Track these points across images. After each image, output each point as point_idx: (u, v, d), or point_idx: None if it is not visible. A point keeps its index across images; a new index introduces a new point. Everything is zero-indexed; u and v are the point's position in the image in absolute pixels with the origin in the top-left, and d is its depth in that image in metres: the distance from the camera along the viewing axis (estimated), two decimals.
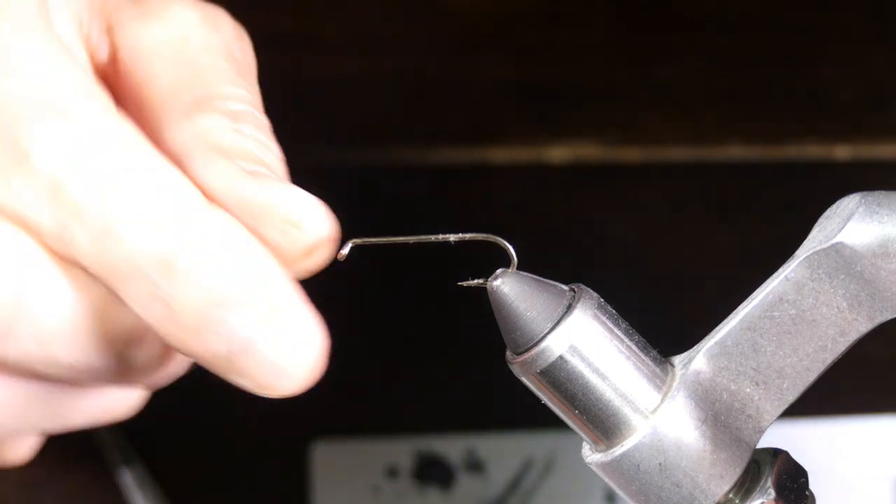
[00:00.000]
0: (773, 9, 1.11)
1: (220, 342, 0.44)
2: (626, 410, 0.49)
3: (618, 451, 0.50)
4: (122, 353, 0.46)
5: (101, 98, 0.45)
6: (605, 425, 0.50)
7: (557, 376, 0.49)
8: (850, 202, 0.51)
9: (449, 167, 1.01)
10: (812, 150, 1.04)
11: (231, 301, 0.43)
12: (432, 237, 0.48)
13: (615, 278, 0.89)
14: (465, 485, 0.82)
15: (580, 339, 0.49)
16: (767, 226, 1.00)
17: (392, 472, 0.83)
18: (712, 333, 0.51)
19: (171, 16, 0.53)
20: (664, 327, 0.88)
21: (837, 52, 1.08)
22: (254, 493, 0.85)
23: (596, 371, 0.49)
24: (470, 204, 1.01)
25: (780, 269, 0.51)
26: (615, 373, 0.49)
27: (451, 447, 0.83)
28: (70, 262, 0.44)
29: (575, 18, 1.09)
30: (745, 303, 0.51)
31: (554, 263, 0.93)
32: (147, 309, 0.43)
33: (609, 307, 0.50)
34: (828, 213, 0.52)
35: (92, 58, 0.51)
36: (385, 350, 0.91)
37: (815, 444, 0.79)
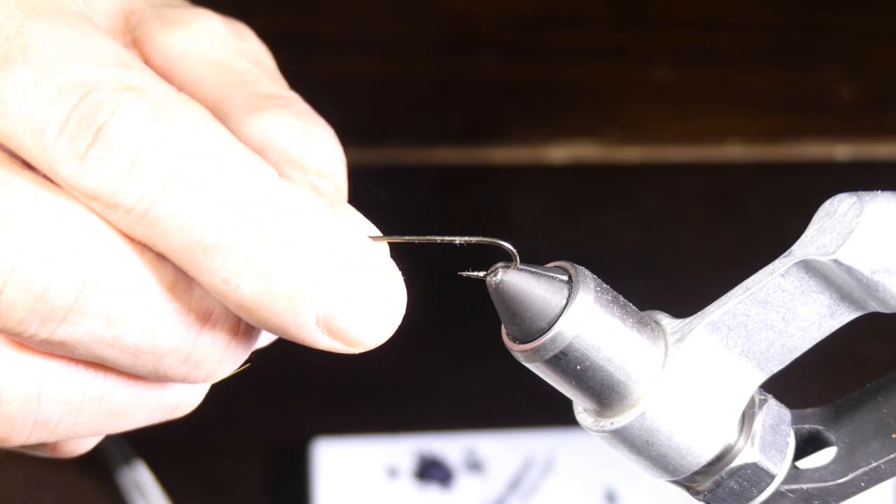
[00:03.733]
0: (773, 9, 1.11)
1: (318, 306, 0.45)
2: (622, 388, 0.51)
3: (607, 426, 0.51)
4: (187, 337, 0.46)
5: (162, 80, 0.46)
6: (600, 400, 0.51)
7: (560, 363, 0.50)
8: (849, 208, 0.51)
9: (449, 167, 1.01)
10: (812, 150, 1.04)
11: (331, 263, 0.45)
12: (437, 238, 0.49)
13: (615, 278, 0.88)
14: (465, 485, 0.82)
15: (582, 327, 0.50)
16: (767, 226, 1.00)
17: (392, 472, 0.83)
18: (705, 313, 0.53)
19: (200, 25, 0.54)
20: None
21: (837, 52, 1.08)
22: (254, 493, 0.86)
23: (598, 355, 0.51)
24: (470, 204, 1.01)
25: (777, 264, 0.51)
26: (615, 354, 0.51)
27: (451, 447, 0.83)
28: (140, 244, 0.45)
29: (574, 18, 1.09)
30: (738, 289, 0.52)
31: None
32: (233, 286, 0.44)
33: (606, 289, 0.52)
34: (827, 208, 0.52)
35: None
36: (385, 350, 0.91)
37: None
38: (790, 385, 0.81)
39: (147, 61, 0.54)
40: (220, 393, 0.95)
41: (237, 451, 0.86)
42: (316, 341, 0.46)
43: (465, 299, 0.88)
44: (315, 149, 0.50)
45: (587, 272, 0.51)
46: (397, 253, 0.49)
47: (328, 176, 0.50)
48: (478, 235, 0.49)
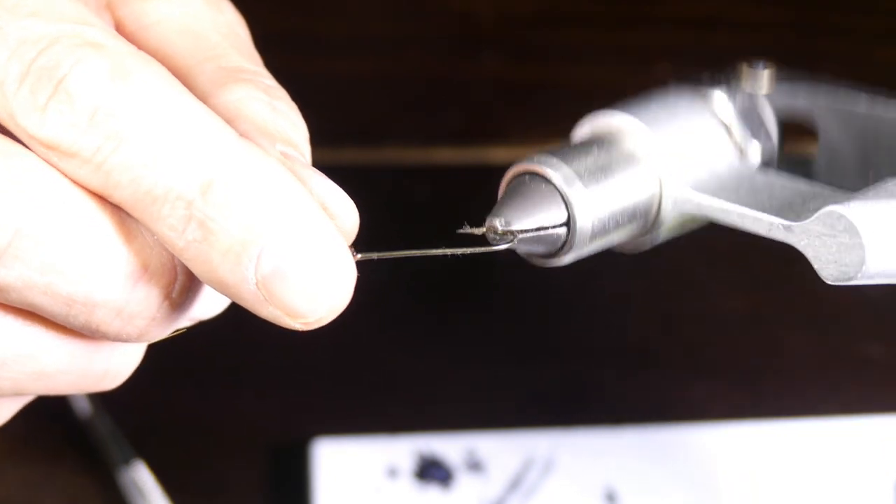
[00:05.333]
0: (772, 9, 1.11)
1: (257, 265, 0.45)
2: (647, 211, 0.59)
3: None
4: (122, 290, 0.47)
5: (123, 38, 0.47)
6: (638, 229, 0.61)
7: (590, 244, 0.55)
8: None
9: (449, 167, 1.01)
10: (812, 150, 1.04)
11: (273, 223, 0.45)
12: (437, 251, 0.49)
13: (615, 278, 0.89)
14: (465, 485, 0.82)
15: (591, 214, 0.57)
16: None
17: (392, 472, 0.83)
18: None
19: None
20: (664, 327, 0.88)
21: (837, 52, 1.08)
22: (254, 493, 0.85)
23: (613, 213, 0.58)
24: (470, 204, 1.01)
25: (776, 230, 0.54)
26: (625, 200, 0.58)
27: (451, 447, 0.83)
28: (91, 192, 0.45)
29: (574, 18, 1.09)
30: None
31: None
32: (179, 232, 0.45)
33: (577, 160, 0.59)
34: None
35: None
36: (385, 349, 0.91)
37: (815, 443, 0.79)
38: (790, 385, 0.81)
39: (119, 26, 0.55)
40: (221, 392, 0.95)
41: (237, 451, 0.86)
42: (257, 307, 0.46)
43: (466, 299, 0.88)
44: (281, 122, 0.51)
45: (553, 163, 0.56)
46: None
47: (295, 147, 0.50)
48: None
